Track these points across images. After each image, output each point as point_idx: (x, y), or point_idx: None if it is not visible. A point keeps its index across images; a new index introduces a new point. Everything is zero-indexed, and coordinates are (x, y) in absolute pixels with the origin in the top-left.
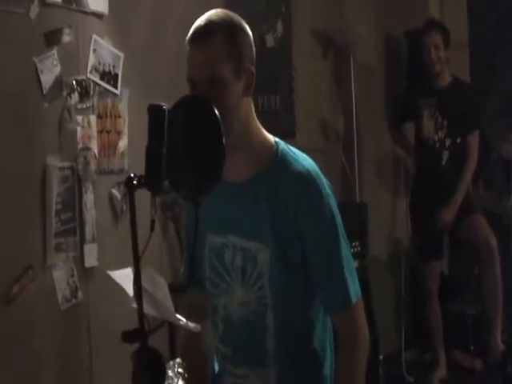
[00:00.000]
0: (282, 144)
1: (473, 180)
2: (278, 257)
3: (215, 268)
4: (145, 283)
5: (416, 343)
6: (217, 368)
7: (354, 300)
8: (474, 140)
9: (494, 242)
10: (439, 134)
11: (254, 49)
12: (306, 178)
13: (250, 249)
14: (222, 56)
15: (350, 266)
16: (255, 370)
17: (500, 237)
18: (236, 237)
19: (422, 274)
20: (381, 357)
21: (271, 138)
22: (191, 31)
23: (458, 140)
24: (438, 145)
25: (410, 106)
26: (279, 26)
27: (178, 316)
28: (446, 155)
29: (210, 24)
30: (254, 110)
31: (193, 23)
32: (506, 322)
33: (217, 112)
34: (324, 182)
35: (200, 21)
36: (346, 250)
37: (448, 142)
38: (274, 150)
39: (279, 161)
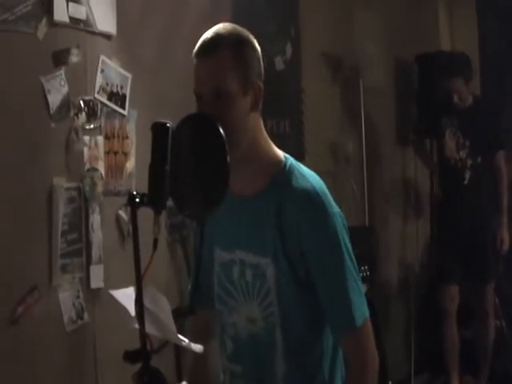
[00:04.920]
0: (291, 159)
1: None
2: (284, 273)
3: (223, 285)
4: (146, 302)
5: (427, 368)
6: None
7: (359, 321)
8: (500, 160)
9: (491, 312)
10: (461, 153)
11: (262, 64)
12: (311, 194)
13: (259, 264)
14: (228, 69)
15: (356, 286)
16: None
17: None
18: (244, 252)
19: (439, 295)
20: (390, 383)
21: (280, 153)
22: (198, 44)
23: (479, 159)
24: (459, 165)
25: (433, 122)
26: (288, 49)
27: (181, 337)
28: (468, 175)
29: (216, 37)
30: (263, 126)
31: None
32: None
33: (221, 130)
34: (330, 200)
35: (207, 34)
36: (352, 271)
37: (469, 162)
38: (282, 165)
39: (287, 175)
